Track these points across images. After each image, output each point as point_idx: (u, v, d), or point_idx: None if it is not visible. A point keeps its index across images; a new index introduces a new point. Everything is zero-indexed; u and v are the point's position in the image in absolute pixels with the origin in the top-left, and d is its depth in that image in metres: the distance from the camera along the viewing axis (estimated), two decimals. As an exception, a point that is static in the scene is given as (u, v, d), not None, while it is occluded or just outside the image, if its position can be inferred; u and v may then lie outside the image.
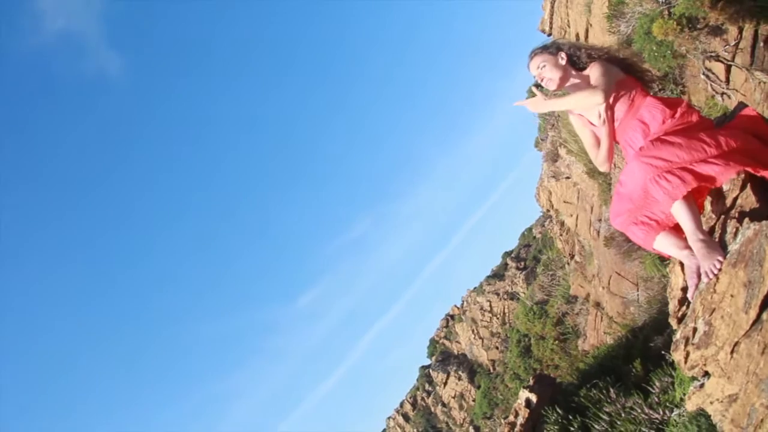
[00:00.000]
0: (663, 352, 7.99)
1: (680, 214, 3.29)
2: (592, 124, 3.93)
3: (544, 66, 3.89)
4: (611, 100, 3.75)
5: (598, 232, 13.79)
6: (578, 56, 3.92)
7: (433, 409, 42.68)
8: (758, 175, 3.31)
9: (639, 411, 7.59)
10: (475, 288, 41.66)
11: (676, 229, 3.45)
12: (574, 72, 3.91)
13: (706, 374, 3.40)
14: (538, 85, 4.12)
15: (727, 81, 7.16)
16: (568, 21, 13.22)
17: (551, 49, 3.96)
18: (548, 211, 19.44)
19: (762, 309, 3.03)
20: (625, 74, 3.80)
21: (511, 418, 9.12)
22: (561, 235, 18.51)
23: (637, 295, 12.46)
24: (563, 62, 3.89)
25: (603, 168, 4.10)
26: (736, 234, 3.26)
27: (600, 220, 13.35)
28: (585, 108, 3.78)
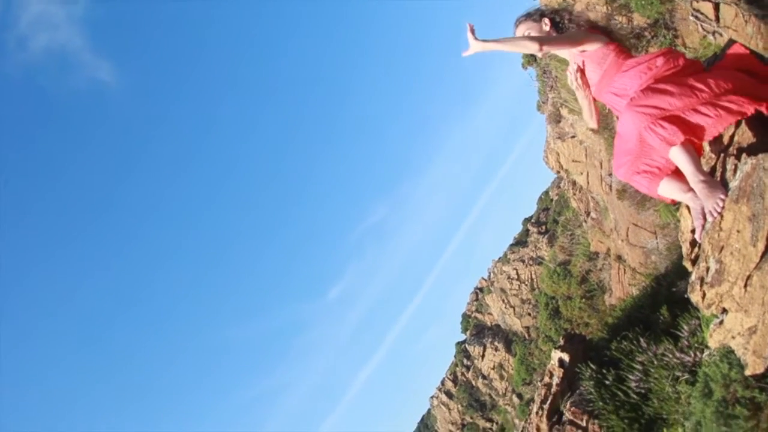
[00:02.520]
0: (687, 296, 8.05)
1: (678, 158, 3.36)
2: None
3: (529, 33, 3.97)
4: (582, 64, 3.87)
5: (610, 186, 13.80)
6: (561, 21, 3.99)
7: (474, 382, 42.85)
8: (751, 114, 3.37)
9: (671, 356, 7.65)
10: (499, 258, 41.67)
11: (678, 174, 3.51)
12: (560, 40, 3.98)
13: (724, 311, 3.49)
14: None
15: (717, 19, 7.14)
16: (553, -20, 13.16)
17: (535, 16, 4.03)
18: (558, 172, 19.41)
19: (769, 240, 3.11)
20: (607, 41, 3.86)
21: (547, 379, 9.23)
22: (574, 194, 18.50)
23: (657, 243, 12.49)
24: (547, 28, 3.96)
25: (591, 125, 4.26)
26: (735, 171, 3.33)
27: (610, 175, 13.37)
28: (520, 52, 3.88)
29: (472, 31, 3.66)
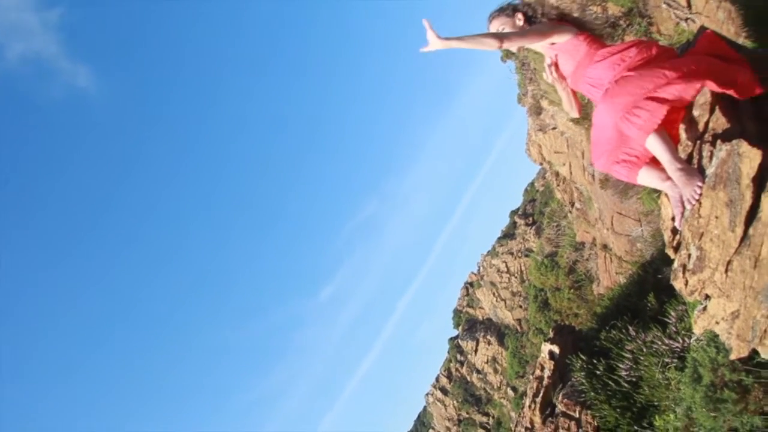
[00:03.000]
0: (671, 283, 8.11)
1: (655, 147, 3.37)
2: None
3: (503, 29, 3.95)
4: (555, 57, 3.87)
5: (593, 176, 13.85)
6: (534, 15, 3.98)
7: (468, 378, 42.91)
8: (722, 92, 3.39)
9: (659, 343, 7.70)
10: (488, 252, 41.75)
11: (656, 162, 3.52)
12: (530, 33, 3.97)
13: (707, 297, 3.50)
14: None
15: (689, 6, 7.18)
16: (527, -27, 13.19)
17: (508, 11, 4.01)
18: (541, 164, 19.47)
19: (747, 225, 3.12)
20: (579, 31, 3.86)
21: (538, 372, 9.25)
22: (558, 185, 18.54)
23: (641, 230, 12.54)
24: (521, 23, 3.94)
25: (572, 115, 4.27)
26: (711, 157, 3.33)
27: (592, 164, 13.39)
28: (482, 49, 3.84)
29: (431, 28, 3.64)
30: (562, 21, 3.91)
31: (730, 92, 3.38)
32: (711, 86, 3.39)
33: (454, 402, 43.70)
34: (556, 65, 3.94)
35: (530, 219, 36.77)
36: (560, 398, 8.60)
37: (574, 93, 4.09)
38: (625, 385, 7.97)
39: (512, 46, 3.79)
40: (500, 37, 3.73)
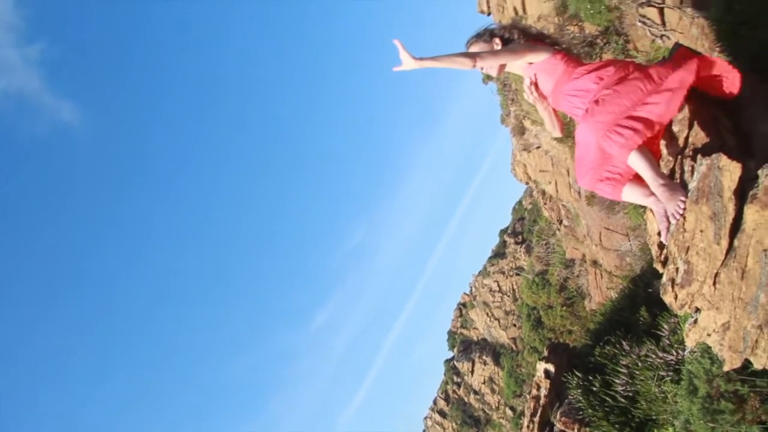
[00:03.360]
0: (662, 297, 8.16)
1: (637, 164, 3.43)
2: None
3: (479, 59, 3.99)
4: (535, 77, 3.93)
5: (579, 193, 13.96)
6: (511, 38, 4.03)
7: (466, 399, 42.59)
8: (700, 89, 3.47)
9: (654, 357, 7.71)
10: (479, 272, 41.70)
11: (639, 179, 3.58)
12: (506, 54, 4.03)
13: (698, 310, 3.53)
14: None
15: (663, 23, 7.31)
16: (504, -3, 13.41)
17: (485, 36, 4.06)
18: (527, 183, 19.59)
19: (732, 237, 3.17)
20: (555, 51, 3.92)
21: (534, 392, 9.23)
22: (545, 203, 18.66)
23: (630, 245, 12.63)
24: (498, 48, 4.00)
25: (555, 134, 4.33)
26: (693, 172, 3.39)
27: (578, 183, 13.48)
28: (456, 68, 3.89)
29: (404, 48, 3.70)
30: (538, 41, 3.98)
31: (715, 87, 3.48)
32: (689, 79, 3.47)
33: (453, 424, 43.34)
34: (536, 85, 4.00)
35: (520, 237, 36.84)
36: (558, 417, 8.58)
37: (556, 112, 4.15)
38: (622, 400, 7.97)
39: (486, 65, 3.85)
40: (474, 56, 3.79)
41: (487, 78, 17.06)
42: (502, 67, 4.02)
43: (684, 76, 3.47)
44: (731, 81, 3.59)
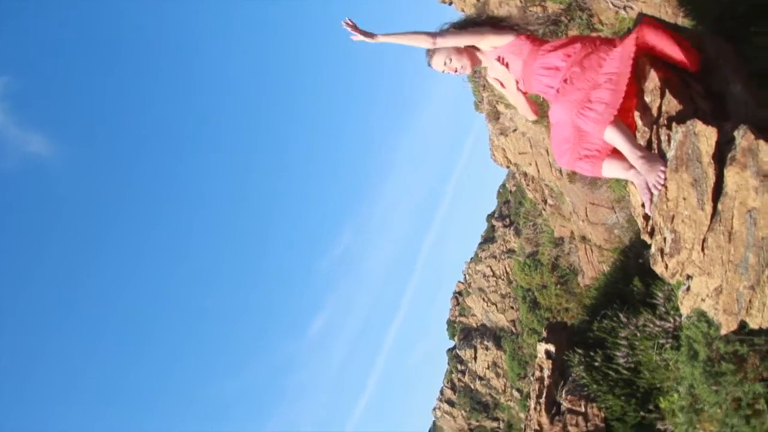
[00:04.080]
0: (653, 267, 8.19)
1: (613, 138, 3.43)
2: (503, 86, 4.08)
3: (450, 59, 3.97)
4: (502, 61, 3.92)
5: (560, 171, 14.00)
6: (477, 22, 4.02)
7: (472, 386, 42.60)
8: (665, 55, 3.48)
9: (652, 326, 7.73)
10: (471, 259, 41.75)
11: (617, 153, 3.58)
12: (471, 49, 4.01)
13: (689, 277, 3.54)
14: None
15: (625, -6, 7.34)
16: (464, -16, 13.39)
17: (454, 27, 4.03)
18: (508, 167, 19.62)
19: (715, 201, 3.18)
20: (516, 35, 3.92)
21: (538, 373, 9.24)
22: (528, 185, 18.70)
23: (616, 217, 12.68)
24: (459, 47, 3.97)
25: (530, 118, 4.33)
26: (669, 141, 3.39)
27: (557, 163, 13.50)
28: (413, 45, 3.88)
29: (357, 29, 3.75)
30: (502, 26, 3.97)
31: (674, 51, 3.49)
32: (649, 36, 3.48)
33: (462, 412, 43.39)
34: (507, 66, 3.97)
35: (507, 220, 36.90)
36: (564, 395, 8.59)
37: (527, 96, 4.14)
38: (625, 372, 7.99)
39: (446, 43, 3.86)
40: (434, 34, 3.81)
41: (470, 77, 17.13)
42: (475, 60, 4.00)
43: (626, 45, 3.49)
44: (692, 57, 3.60)
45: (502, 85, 4.07)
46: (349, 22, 3.76)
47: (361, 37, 3.78)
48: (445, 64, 3.96)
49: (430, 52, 3.97)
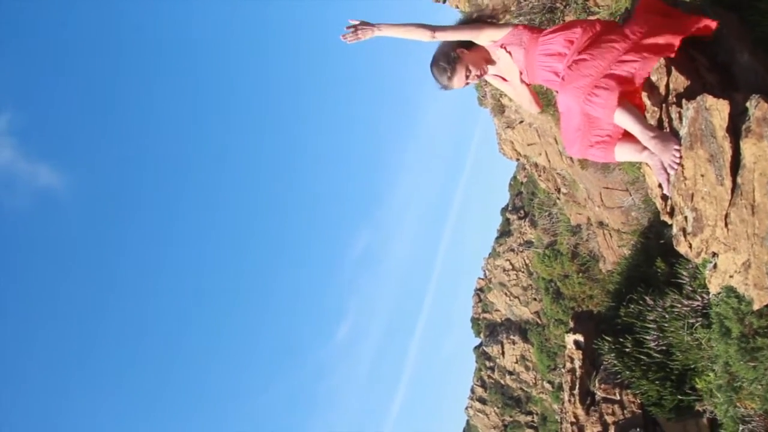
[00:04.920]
0: (677, 248, 8.07)
1: (623, 121, 3.36)
2: (505, 80, 4.01)
3: (469, 70, 3.89)
4: (509, 52, 3.85)
5: (571, 159, 13.86)
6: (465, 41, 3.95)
7: (502, 381, 42.45)
8: (674, 53, 3.37)
9: (680, 306, 7.61)
10: (489, 254, 41.63)
11: (629, 136, 3.51)
12: (477, 51, 3.93)
13: (715, 254, 3.46)
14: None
15: (619, -26, 7.26)
16: (455, -19, 13.34)
17: (453, 57, 3.86)
18: (518, 159, 19.49)
19: (734, 175, 3.10)
20: (513, 26, 3.86)
21: (569, 365, 9.14)
22: (540, 175, 18.55)
23: (632, 199, 12.52)
24: (466, 54, 3.90)
25: (534, 111, 4.26)
26: (681, 118, 3.32)
27: (568, 153, 13.37)
28: (412, 38, 3.84)
29: (360, 23, 3.73)
30: (489, 23, 3.91)
31: (691, 33, 3.38)
32: (672, 43, 3.37)
33: (495, 409, 43.22)
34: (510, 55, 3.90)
35: (522, 212, 36.75)
36: (597, 385, 8.50)
37: (530, 87, 4.07)
38: (657, 355, 7.87)
39: (445, 37, 3.81)
40: (433, 27, 3.77)
41: (482, 96, 17.09)
42: (488, 58, 3.91)
43: (668, 42, 3.37)
44: (703, 27, 3.51)
45: (503, 80, 4.01)
46: (352, 24, 3.75)
47: (359, 37, 3.76)
48: (466, 77, 3.88)
49: (448, 77, 3.87)
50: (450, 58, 3.84)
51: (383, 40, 3.89)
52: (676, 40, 3.34)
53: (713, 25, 3.42)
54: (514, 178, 41.60)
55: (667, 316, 7.79)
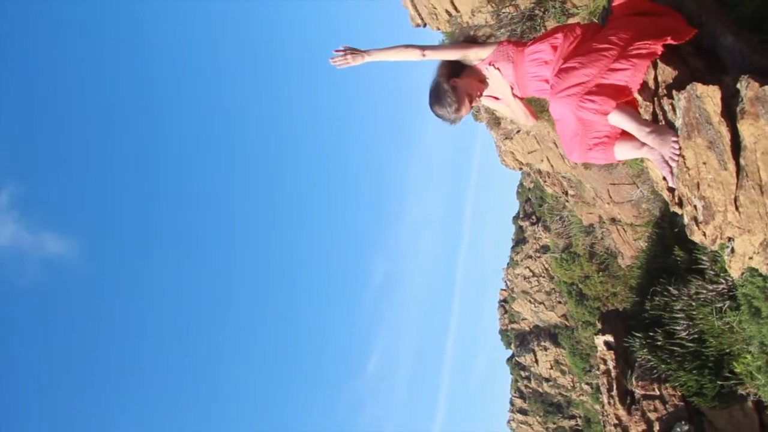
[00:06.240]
0: (691, 237, 8.03)
1: (619, 121, 3.36)
2: (497, 99, 4.03)
3: (470, 96, 3.89)
4: (498, 69, 3.86)
5: (573, 160, 13.85)
6: (453, 67, 3.97)
7: (540, 389, 41.98)
8: (661, 51, 3.37)
9: (705, 292, 7.54)
10: (508, 264, 41.46)
11: (626, 134, 3.50)
12: (469, 75, 3.95)
13: (730, 239, 3.43)
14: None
15: (592, -26, 7.32)
16: (432, 4, 13.47)
17: (451, 89, 3.85)
18: (521, 168, 19.50)
19: (736, 157, 3.09)
20: (499, 43, 3.88)
21: (602, 366, 9.04)
22: (545, 181, 18.55)
23: (640, 191, 12.47)
24: (459, 82, 3.91)
25: (530, 124, 4.27)
26: (674, 109, 3.32)
27: (569, 158, 13.35)
28: (403, 59, 3.88)
29: (350, 50, 3.77)
30: (473, 43, 3.94)
31: (669, 41, 3.37)
32: (657, 49, 3.36)
33: (537, 418, 42.69)
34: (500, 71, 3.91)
35: (534, 217, 36.64)
36: (634, 383, 8.39)
37: (523, 100, 4.07)
38: (690, 344, 7.78)
39: (435, 56, 3.85)
40: (422, 47, 3.80)
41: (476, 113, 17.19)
42: (482, 77, 3.93)
43: (653, 47, 3.38)
44: (683, 32, 3.51)
45: (495, 98, 4.03)
46: (340, 49, 3.80)
47: (349, 62, 3.80)
48: (470, 102, 3.88)
49: (456, 109, 3.84)
50: (448, 91, 3.84)
51: (371, 67, 3.94)
52: (658, 46, 3.34)
53: (690, 34, 3.44)
54: (521, 185, 41.53)
55: (693, 303, 7.71)
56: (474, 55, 3.87)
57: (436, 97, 3.90)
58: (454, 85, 3.84)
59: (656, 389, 8.17)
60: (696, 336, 7.75)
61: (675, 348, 7.94)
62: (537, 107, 4.51)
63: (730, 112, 3.04)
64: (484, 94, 3.99)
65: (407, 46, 3.83)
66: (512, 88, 3.93)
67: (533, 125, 14.22)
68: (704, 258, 7.80)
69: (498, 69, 3.86)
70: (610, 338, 9.04)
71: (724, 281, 7.26)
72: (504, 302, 45.10)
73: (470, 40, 3.93)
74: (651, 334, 8.39)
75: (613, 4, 3.88)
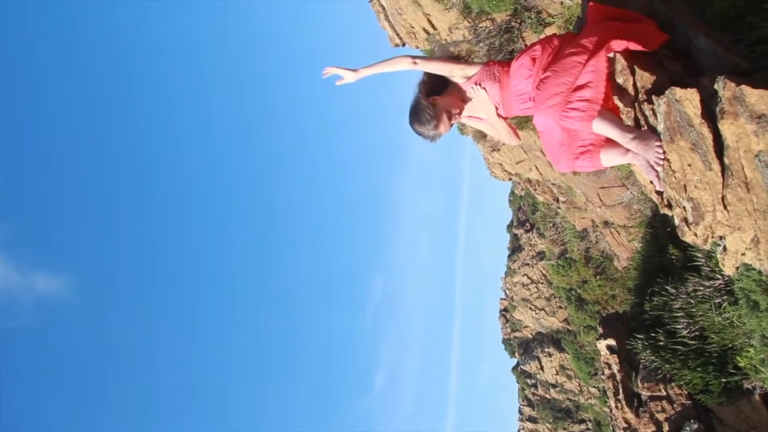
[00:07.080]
0: (683, 239, 8.06)
1: (602, 128, 3.39)
2: (480, 119, 4.06)
3: (450, 114, 3.93)
4: (485, 88, 3.90)
5: (561, 167, 13.92)
6: (433, 84, 4.01)
7: (548, 396, 41.79)
8: (630, 48, 3.42)
9: (702, 288, 7.56)
10: (506, 273, 41.47)
11: (610, 141, 3.54)
12: (451, 92, 4.00)
13: (722, 237, 3.46)
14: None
15: (564, -17, 7.42)
16: (410, 24, 13.58)
17: (429, 106, 3.90)
18: (510, 179, 19.58)
19: (720, 157, 3.12)
20: (483, 63, 3.93)
21: (607, 371, 9.03)
22: (535, 189, 18.62)
23: (630, 193, 12.53)
24: (439, 99, 3.96)
25: (514, 143, 4.32)
26: (655, 114, 3.36)
27: (557, 169, 13.40)
28: (395, 70, 3.94)
29: (340, 69, 3.84)
30: (456, 61, 3.98)
31: (639, 47, 3.41)
32: (616, 45, 3.41)
33: (546, 425, 42.47)
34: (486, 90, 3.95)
35: (527, 224, 36.72)
36: (640, 385, 8.37)
37: (507, 120, 4.09)
38: (692, 342, 7.78)
39: (426, 67, 3.91)
40: (413, 56, 3.86)
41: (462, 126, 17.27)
42: (464, 102, 3.97)
43: (607, 26, 3.45)
44: (654, 38, 3.56)
45: (479, 119, 4.06)
46: (330, 70, 3.87)
47: (345, 80, 3.87)
48: (449, 119, 3.91)
49: (434, 126, 3.89)
50: (427, 108, 3.88)
51: (358, 87, 4.01)
52: (622, 44, 3.39)
53: (664, 38, 3.49)
54: (512, 193, 41.63)
55: (692, 301, 7.73)
56: (460, 72, 3.91)
57: (415, 114, 3.95)
58: (434, 102, 3.89)
59: (662, 390, 8.16)
60: (697, 333, 7.76)
61: (678, 347, 7.94)
62: (520, 119, 4.56)
63: (710, 113, 3.08)
64: (467, 114, 4.03)
65: (399, 57, 3.90)
66: (497, 108, 3.97)
67: (516, 144, 14.27)
68: (699, 255, 7.83)
69: (485, 89, 3.90)
70: (612, 342, 9.03)
71: (720, 277, 7.28)
72: (505, 311, 45.05)
73: (453, 57, 3.98)
74: (652, 334, 8.39)
75: (586, 11, 3.95)
